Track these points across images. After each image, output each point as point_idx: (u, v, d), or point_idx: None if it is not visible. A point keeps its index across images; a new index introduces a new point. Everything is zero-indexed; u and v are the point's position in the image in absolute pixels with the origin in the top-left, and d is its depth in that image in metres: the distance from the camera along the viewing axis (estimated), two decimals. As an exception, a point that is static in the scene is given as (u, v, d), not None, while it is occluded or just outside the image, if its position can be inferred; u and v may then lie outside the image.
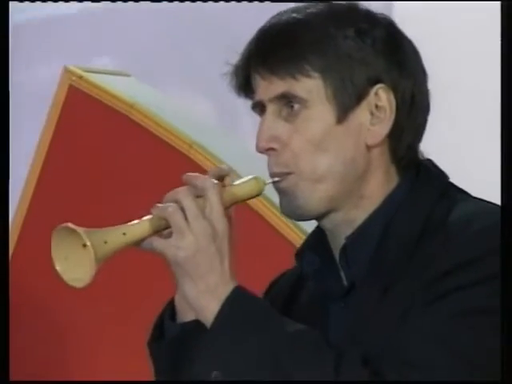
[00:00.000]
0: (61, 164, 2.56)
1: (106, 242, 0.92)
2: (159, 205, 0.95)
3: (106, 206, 2.40)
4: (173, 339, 1.01)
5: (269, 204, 2.19)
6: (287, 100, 0.99)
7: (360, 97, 0.99)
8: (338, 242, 1.03)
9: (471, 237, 0.94)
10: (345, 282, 1.02)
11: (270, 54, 0.99)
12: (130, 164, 2.49)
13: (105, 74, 2.74)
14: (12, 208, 2.28)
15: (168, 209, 0.94)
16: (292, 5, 1.03)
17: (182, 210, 0.94)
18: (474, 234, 0.94)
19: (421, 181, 1.03)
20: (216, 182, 0.97)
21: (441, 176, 1.04)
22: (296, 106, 0.99)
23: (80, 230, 0.91)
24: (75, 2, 3.27)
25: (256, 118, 1.03)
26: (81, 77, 2.54)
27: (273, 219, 2.22)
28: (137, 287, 2.33)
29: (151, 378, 1.04)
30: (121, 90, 2.57)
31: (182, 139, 2.41)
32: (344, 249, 1.01)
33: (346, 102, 0.99)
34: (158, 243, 0.95)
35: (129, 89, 2.63)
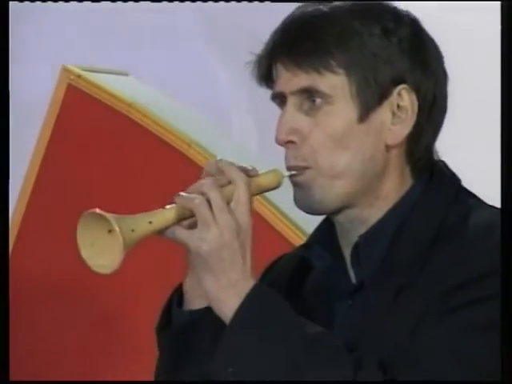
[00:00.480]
0: (59, 163, 2.56)
1: (133, 230, 0.92)
2: (183, 194, 0.95)
3: (105, 204, 2.39)
4: (181, 326, 1.01)
5: (267, 203, 2.19)
6: (309, 94, 0.99)
7: (383, 96, 0.99)
8: (349, 239, 1.02)
9: (489, 249, 0.93)
10: (353, 280, 1.02)
11: (295, 45, 0.98)
12: (128, 163, 2.49)
13: (103, 72, 2.74)
14: (10, 207, 2.28)
15: (195, 200, 0.94)
16: (292, 5, 1.02)
17: (208, 201, 0.93)
18: (491, 246, 0.93)
19: (435, 183, 1.02)
20: (245, 175, 0.97)
21: (454, 179, 1.04)
22: (318, 101, 0.98)
23: (109, 216, 0.92)
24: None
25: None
26: (79, 76, 2.53)
27: (271, 218, 2.22)
28: (138, 285, 2.33)
29: (151, 377, 1.04)
30: (119, 88, 2.57)
31: (180, 138, 2.41)
32: (356, 247, 1.01)
33: (369, 101, 0.98)
34: (182, 233, 0.95)
35: (127, 88, 2.62)
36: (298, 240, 1.98)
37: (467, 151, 3.12)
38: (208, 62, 3.61)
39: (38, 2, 3.10)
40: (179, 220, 0.95)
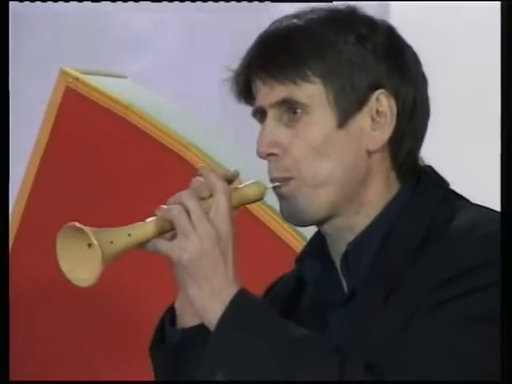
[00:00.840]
0: (57, 165, 2.56)
1: (112, 242, 0.93)
2: (163, 206, 0.96)
3: (103, 207, 2.40)
4: (174, 345, 1.01)
5: (269, 210, 2.20)
6: (288, 105, 0.99)
7: (361, 102, 1.00)
8: (338, 248, 1.03)
9: (473, 244, 0.94)
10: (345, 289, 1.02)
11: (270, 59, 1.00)
12: (126, 165, 2.49)
13: (101, 75, 2.75)
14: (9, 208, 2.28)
15: (172, 210, 0.94)
16: (292, 5, 1.03)
17: (187, 211, 0.94)
18: (475, 241, 0.94)
19: (421, 188, 1.03)
20: (225, 184, 0.98)
21: (441, 183, 1.04)
22: (297, 112, 0.99)
23: (87, 229, 0.92)
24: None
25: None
26: (77, 78, 2.54)
27: (273, 224, 2.23)
28: (137, 289, 2.33)
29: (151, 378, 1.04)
30: (117, 91, 2.57)
31: (178, 141, 2.42)
32: (345, 255, 1.01)
33: (347, 107, 0.99)
34: (163, 245, 0.96)
35: (125, 90, 2.63)
36: (299, 246, 1.98)
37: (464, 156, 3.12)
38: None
39: (38, 2, 3.11)
40: (160, 233, 0.96)
